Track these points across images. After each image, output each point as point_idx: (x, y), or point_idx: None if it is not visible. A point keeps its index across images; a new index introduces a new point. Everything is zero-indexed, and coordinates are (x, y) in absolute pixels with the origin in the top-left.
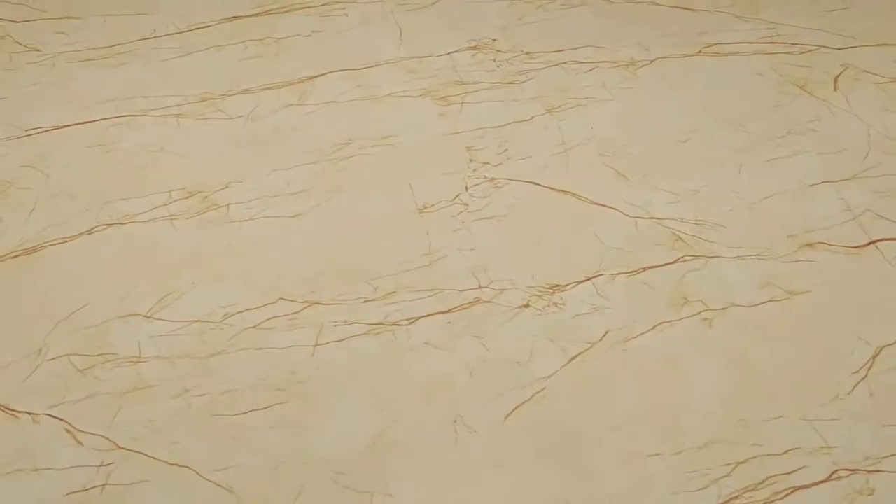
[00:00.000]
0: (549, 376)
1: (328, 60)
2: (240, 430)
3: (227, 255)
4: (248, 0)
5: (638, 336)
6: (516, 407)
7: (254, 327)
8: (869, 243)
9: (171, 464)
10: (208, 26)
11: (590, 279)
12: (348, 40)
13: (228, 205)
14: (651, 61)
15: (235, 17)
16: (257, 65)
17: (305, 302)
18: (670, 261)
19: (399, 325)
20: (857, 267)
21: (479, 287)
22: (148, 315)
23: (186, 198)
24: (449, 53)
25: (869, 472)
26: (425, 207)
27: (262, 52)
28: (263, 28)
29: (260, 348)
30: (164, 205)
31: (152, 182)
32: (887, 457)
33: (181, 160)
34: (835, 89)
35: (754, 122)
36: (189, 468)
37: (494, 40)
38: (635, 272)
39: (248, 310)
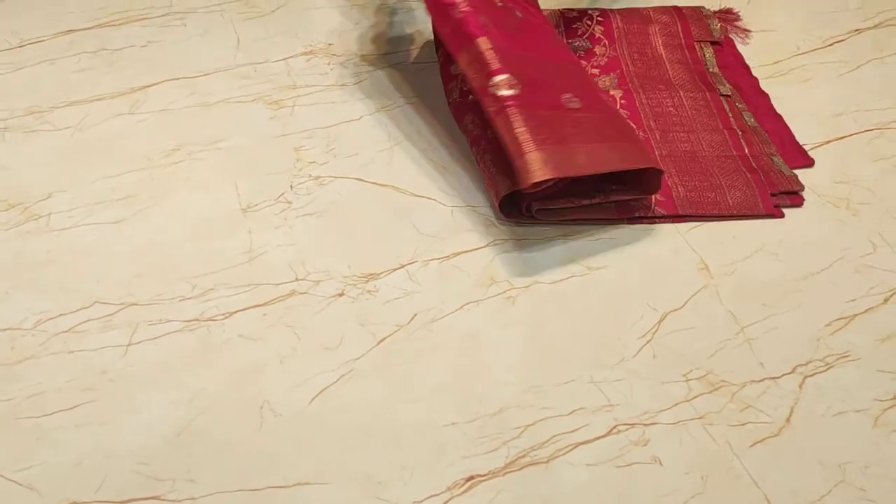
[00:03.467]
0: (357, 359)
1: (163, 70)
2: (45, 430)
3: (44, 264)
4: (84, 14)
5: (445, 316)
6: (322, 390)
7: (67, 331)
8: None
9: None
10: (42, 41)
11: (404, 266)
12: (185, 50)
13: (50, 214)
14: None
15: (70, 31)
16: (90, 76)
17: (121, 304)
18: (482, 245)
19: (214, 319)
20: (652, 242)
21: (296, 279)
22: None
23: (5, 210)
24: (284, 59)
25: (646, 425)
26: (249, 207)
27: (96, 65)
28: (98, 41)
29: (71, 351)
30: None
31: None
32: (663, 410)
33: (3, 174)
34: None
35: None
36: None
37: (330, 44)
38: (447, 257)
39: (61, 315)
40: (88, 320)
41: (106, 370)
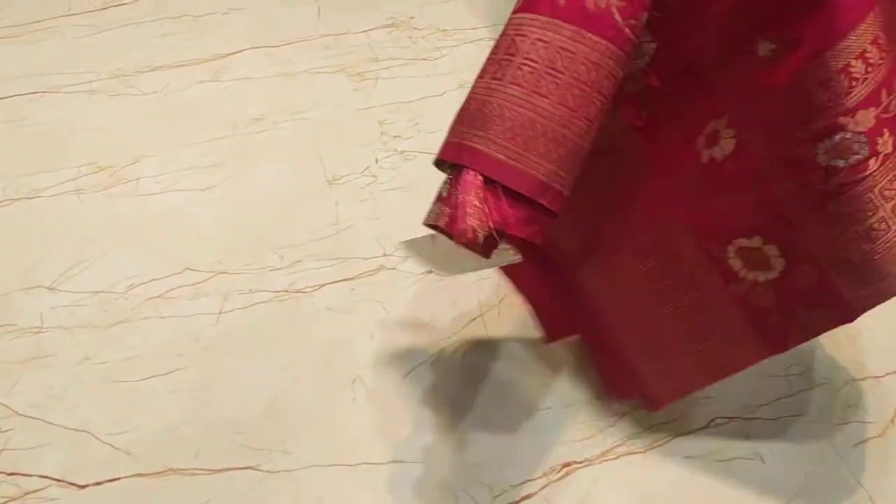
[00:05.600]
0: (449, 338)
1: (245, 38)
2: (140, 395)
3: (134, 229)
4: None
5: None
6: (414, 367)
7: (158, 297)
8: None
9: (69, 428)
10: (125, 4)
11: None
12: (267, 17)
13: (138, 179)
14: None
15: None
16: (172, 42)
17: (212, 272)
18: None
19: (303, 292)
20: None
21: (384, 255)
22: (51, 287)
23: (95, 172)
24: (365, 31)
25: (745, 419)
26: (335, 179)
27: (179, 30)
28: (181, 6)
29: (163, 317)
30: (72, 179)
31: (61, 157)
32: (762, 405)
33: (91, 135)
34: None
35: None
36: (87, 432)
37: (412, 17)
38: None
39: (153, 280)
40: (180, 286)
41: (198, 337)
